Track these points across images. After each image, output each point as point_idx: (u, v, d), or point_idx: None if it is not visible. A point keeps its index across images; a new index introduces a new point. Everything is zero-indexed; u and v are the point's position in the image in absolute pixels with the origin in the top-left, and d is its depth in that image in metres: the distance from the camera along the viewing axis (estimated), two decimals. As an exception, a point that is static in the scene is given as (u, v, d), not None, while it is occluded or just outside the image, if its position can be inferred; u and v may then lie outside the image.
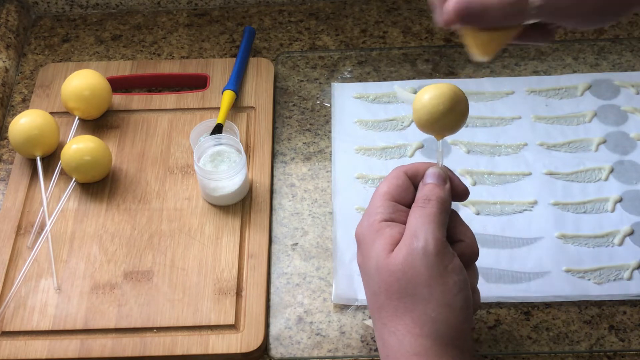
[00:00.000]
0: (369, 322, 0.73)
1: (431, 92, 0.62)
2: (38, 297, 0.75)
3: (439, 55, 0.93)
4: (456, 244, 0.63)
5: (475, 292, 0.64)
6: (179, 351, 0.71)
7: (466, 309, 0.60)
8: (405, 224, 0.62)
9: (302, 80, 0.92)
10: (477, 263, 0.76)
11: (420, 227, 0.60)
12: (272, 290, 0.76)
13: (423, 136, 0.85)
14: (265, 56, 0.94)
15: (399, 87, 0.64)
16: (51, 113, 0.86)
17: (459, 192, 0.65)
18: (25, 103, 0.91)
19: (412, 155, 0.84)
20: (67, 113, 0.87)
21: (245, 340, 0.72)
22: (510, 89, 0.89)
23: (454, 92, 0.62)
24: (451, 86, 0.62)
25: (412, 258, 0.59)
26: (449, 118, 0.62)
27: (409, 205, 0.64)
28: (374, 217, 0.63)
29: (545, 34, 0.59)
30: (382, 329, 0.61)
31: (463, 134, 0.85)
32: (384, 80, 0.91)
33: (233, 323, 0.73)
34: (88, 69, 0.87)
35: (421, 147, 0.85)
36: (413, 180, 0.65)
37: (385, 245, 0.61)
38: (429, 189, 0.63)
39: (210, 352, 0.71)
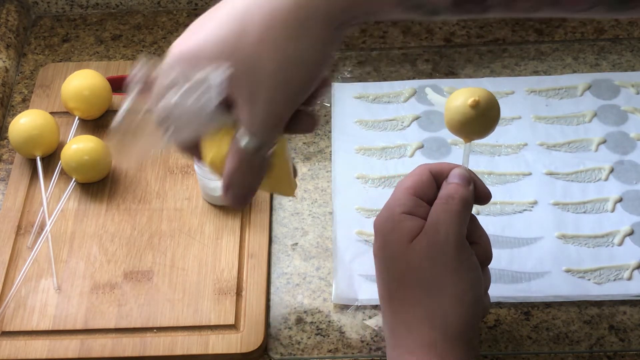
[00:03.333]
0: (369, 322, 0.74)
1: (465, 95, 0.62)
2: (38, 297, 0.75)
3: (439, 55, 0.93)
4: (472, 245, 0.63)
5: (486, 295, 0.65)
6: (179, 351, 0.71)
7: (477, 305, 0.61)
8: (425, 219, 0.63)
9: (302, 80, 0.92)
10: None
11: (442, 221, 0.61)
12: (272, 290, 0.76)
13: (423, 136, 0.85)
14: (265, 56, 0.94)
15: (430, 90, 0.65)
16: (51, 113, 0.86)
17: (481, 196, 0.66)
18: (25, 103, 0.91)
19: (412, 155, 0.84)
20: (67, 113, 0.87)
21: (245, 340, 0.72)
22: (510, 89, 0.89)
23: (488, 97, 0.62)
24: (485, 91, 0.62)
25: (431, 250, 0.60)
26: (480, 123, 0.62)
27: (430, 203, 0.64)
28: (395, 208, 0.64)
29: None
30: (392, 318, 0.62)
31: (463, 134, 0.85)
32: (384, 80, 0.91)
33: (233, 323, 0.73)
34: (88, 69, 0.87)
35: (421, 147, 0.85)
36: (436, 178, 0.65)
37: (405, 235, 0.62)
38: (453, 187, 0.63)
39: (210, 352, 0.71)
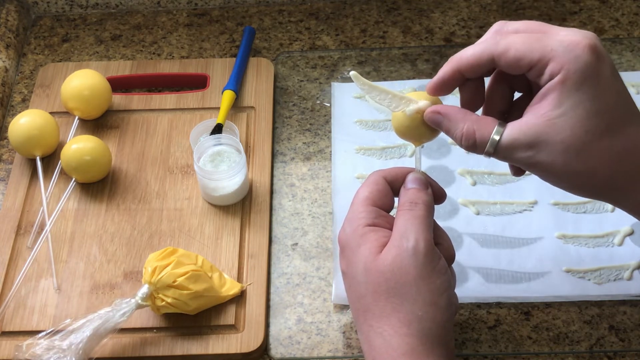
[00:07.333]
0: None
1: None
2: (38, 297, 0.75)
3: (439, 55, 0.93)
4: (436, 247, 0.64)
5: (454, 293, 0.65)
6: (178, 351, 0.71)
7: (450, 306, 0.62)
8: (387, 228, 0.63)
9: (302, 80, 0.92)
10: (477, 263, 0.76)
11: (410, 228, 0.61)
12: (272, 290, 0.76)
13: (423, 136, 0.85)
14: (265, 56, 0.94)
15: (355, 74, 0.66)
16: (51, 113, 0.86)
17: (437, 196, 0.67)
18: (25, 103, 0.91)
19: (412, 155, 0.84)
20: (67, 113, 0.87)
21: (245, 340, 0.72)
22: (510, 89, 0.89)
23: (433, 101, 0.63)
24: (430, 95, 0.64)
25: (402, 258, 0.60)
26: (427, 126, 0.63)
27: (388, 210, 0.65)
28: (357, 222, 0.64)
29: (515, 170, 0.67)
30: (369, 331, 0.62)
31: (463, 134, 0.85)
32: (384, 80, 0.91)
33: (233, 323, 0.73)
34: (88, 69, 0.87)
35: (421, 146, 0.85)
36: (392, 185, 0.66)
37: (372, 248, 0.62)
38: (413, 193, 0.64)
39: (210, 352, 0.71)
